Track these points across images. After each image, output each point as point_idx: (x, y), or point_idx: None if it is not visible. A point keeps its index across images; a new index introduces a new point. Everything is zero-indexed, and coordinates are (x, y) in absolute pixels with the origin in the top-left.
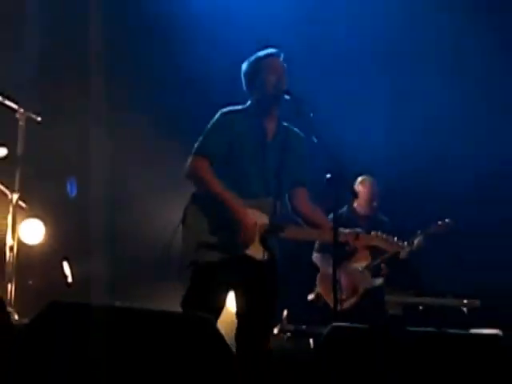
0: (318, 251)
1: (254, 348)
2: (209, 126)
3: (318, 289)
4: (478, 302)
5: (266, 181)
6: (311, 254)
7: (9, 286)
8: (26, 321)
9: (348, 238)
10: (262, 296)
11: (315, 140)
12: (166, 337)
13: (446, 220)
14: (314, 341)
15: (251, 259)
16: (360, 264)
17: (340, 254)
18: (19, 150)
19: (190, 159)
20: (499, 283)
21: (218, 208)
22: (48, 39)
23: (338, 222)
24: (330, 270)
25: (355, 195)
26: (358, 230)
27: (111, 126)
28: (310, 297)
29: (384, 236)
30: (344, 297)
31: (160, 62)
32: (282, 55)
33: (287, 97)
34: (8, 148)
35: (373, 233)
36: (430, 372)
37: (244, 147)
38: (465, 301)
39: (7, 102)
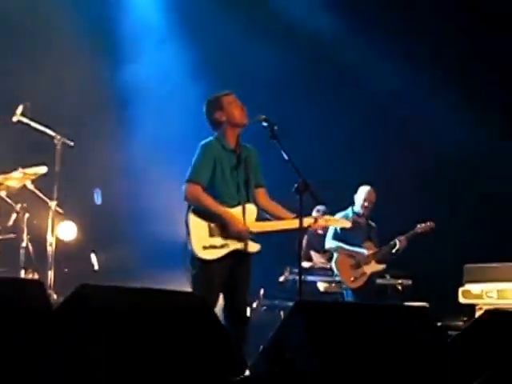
0: (332, 239)
1: (238, 317)
2: (195, 157)
3: (336, 270)
4: (410, 282)
5: (240, 190)
6: (280, 246)
7: (49, 273)
8: (61, 300)
9: (310, 224)
10: (246, 279)
11: (286, 157)
12: (171, 312)
13: (428, 223)
14: (283, 313)
15: (242, 252)
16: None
17: None
18: (56, 167)
19: (185, 186)
20: (428, 267)
21: (213, 218)
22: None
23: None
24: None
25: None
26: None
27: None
28: (281, 279)
29: (332, 218)
30: (353, 278)
31: None
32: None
33: (265, 124)
34: (48, 166)
35: (325, 216)
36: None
37: (223, 169)
38: (399, 280)
39: (47, 131)
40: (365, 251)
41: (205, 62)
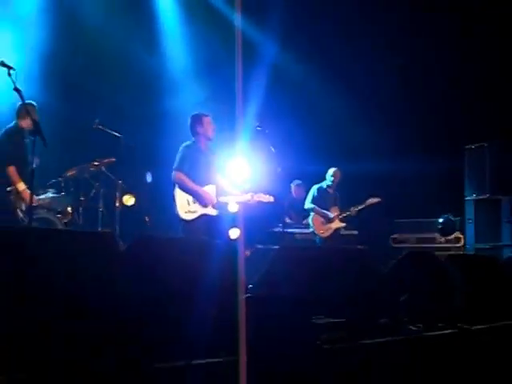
0: (310, 202)
1: None
2: (179, 154)
3: (312, 224)
4: (356, 232)
5: (207, 176)
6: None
7: (117, 227)
8: (124, 246)
9: (248, 199)
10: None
11: (272, 149)
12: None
13: (376, 199)
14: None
15: (208, 215)
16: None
17: None
18: (121, 158)
19: (173, 172)
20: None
21: (191, 193)
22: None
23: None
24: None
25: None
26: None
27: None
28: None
29: (262, 195)
30: (323, 231)
31: None
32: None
33: (259, 128)
34: (115, 157)
35: (258, 194)
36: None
37: (199, 161)
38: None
39: (115, 134)
40: (330, 214)
41: None
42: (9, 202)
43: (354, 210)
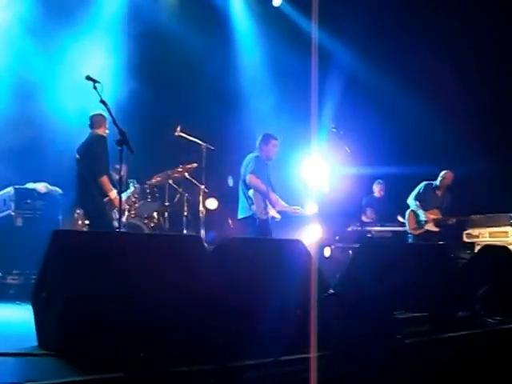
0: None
1: None
2: (251, 160)
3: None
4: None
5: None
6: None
7: (202, 231)
8: (211, 248)
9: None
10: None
11: (348, 150)
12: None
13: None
14: (351, 251)
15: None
16: None
17: None
18: (203, 163)
19: (249, 176)
20: None
21: (265, 194)
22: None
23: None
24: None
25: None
26: None
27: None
28: (349, 229)
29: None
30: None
31: None
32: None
33: (334, 129)
34: (198, 163)
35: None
36: None
37: (263, 171)
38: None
39: (197, 140)
40: (423, 216)
41: None
42: (106, 212)
43: (452, 220)
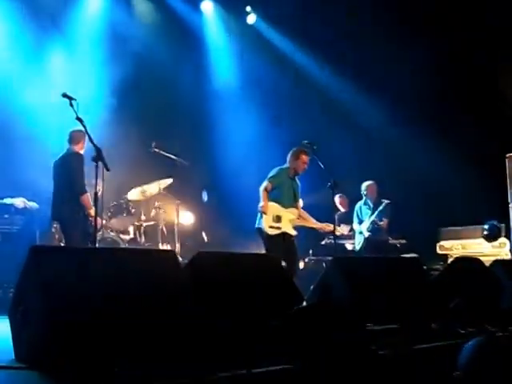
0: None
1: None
2: (273, 171)
3: None
4: (404, 241)
5: (292, 200)
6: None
7: (177, 245)
8: (186, 261)
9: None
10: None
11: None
12: (254, 266)
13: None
14: (325, 264)
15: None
16: None
17: None
18: (178, 178)
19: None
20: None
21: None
22: None
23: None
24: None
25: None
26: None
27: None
28: (322, 242)
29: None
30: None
31: None
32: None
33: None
34: (173, 178)
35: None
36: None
37: (286, 184)
38: (398, 240)
39: (171, 156)
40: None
41: None
42: (82, 226)
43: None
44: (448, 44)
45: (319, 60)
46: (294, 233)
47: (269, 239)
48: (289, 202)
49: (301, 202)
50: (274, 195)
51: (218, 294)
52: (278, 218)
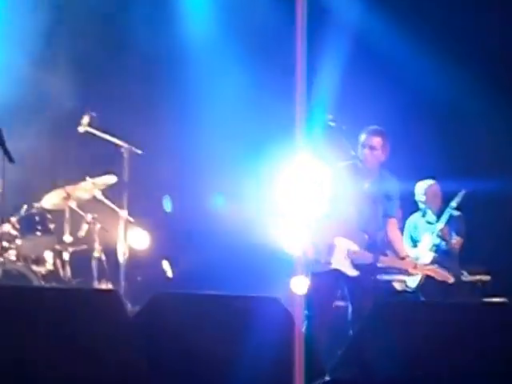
0: None
1: None
2: None
3: None
4: (489, 278)
5: None
6: None
7: (122, 282)
8: (136, 308)
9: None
10: None
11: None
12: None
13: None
14: None
15: None
16: None
17: None
18: (125, 176)
19: None
20: (506, 261)
21: None
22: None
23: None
24: None
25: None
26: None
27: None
28: None
29: (437, 269)
30: None
31: None
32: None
33: (332, 123)
34: (116, 175)
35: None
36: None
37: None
38: (477, 277)
39: (114, 140)
40: None
41: None
42: None
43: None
44: None
45: None
46: (354, 272)
47: (316, 278)
48: None
49: None
50: None
51: (183, 358)
52: None
